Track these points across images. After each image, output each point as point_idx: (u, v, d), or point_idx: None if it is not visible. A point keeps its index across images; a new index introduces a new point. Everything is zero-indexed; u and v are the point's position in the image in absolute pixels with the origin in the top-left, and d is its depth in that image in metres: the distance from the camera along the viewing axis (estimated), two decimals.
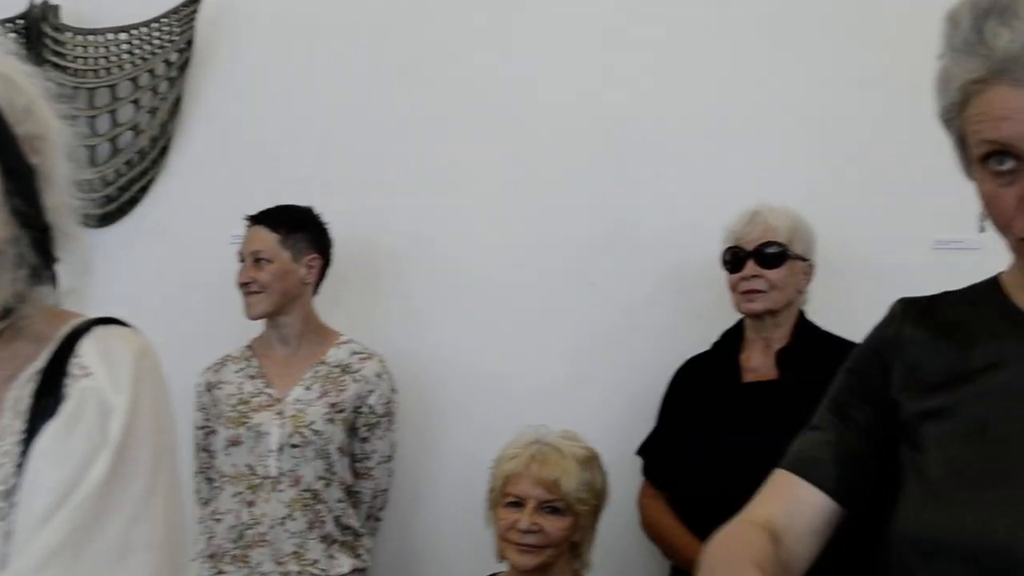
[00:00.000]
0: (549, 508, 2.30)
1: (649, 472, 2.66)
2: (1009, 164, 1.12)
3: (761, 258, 2.50)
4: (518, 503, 2.31)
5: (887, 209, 2.84)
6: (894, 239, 2.84)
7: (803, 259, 2.54)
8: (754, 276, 2.51)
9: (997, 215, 1.15)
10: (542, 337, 2.95)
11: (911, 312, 1.29)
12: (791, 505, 1.25)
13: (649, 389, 2.72)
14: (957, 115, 1.17)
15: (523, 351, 2.94)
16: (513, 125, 2.98)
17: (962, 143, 1.19)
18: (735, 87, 2.91)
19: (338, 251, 2.80)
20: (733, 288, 2.55)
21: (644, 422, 2.69)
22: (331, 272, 2.79)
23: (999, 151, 1.12)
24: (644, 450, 2.68)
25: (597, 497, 2.35)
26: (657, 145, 2.92)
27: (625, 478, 2.65)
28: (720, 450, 2.44)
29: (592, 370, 2.94)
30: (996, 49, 1.11)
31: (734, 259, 2.54)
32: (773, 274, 2.49)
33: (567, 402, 2.86)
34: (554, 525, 2.30)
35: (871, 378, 1.28)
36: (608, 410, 2.89)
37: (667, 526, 2.55)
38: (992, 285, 1.29)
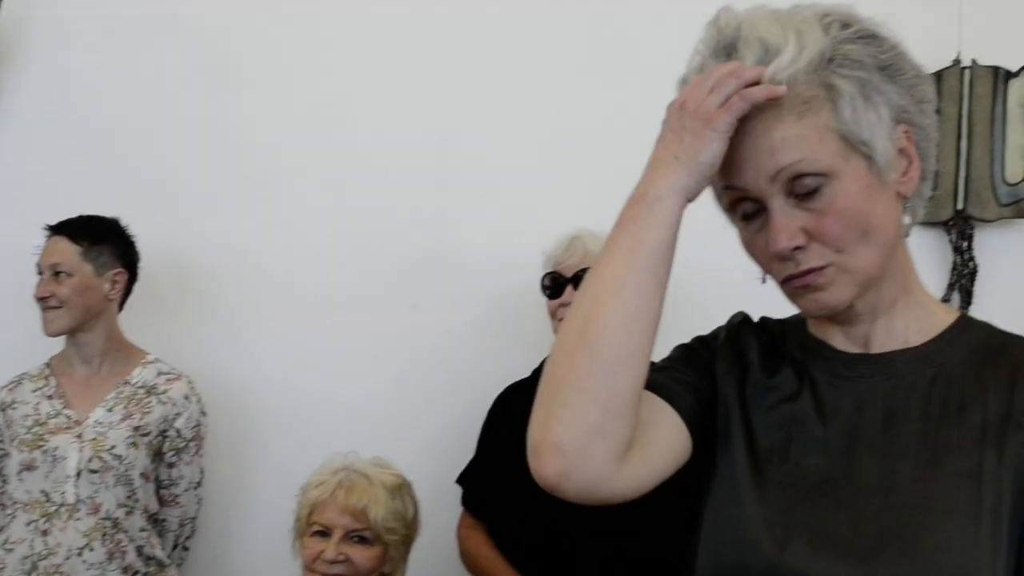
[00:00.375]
0: (357, 537, 2.22)
1: (468, 502, 2.61)
2: (753, 209, 1.14)
3: (580, 283, 2.48)
4: (324, 532, 2.22)
5: (711, 235, 2.86)
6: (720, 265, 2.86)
7: None
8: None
9: (758, 262, 1.17)
10: (363, 359, 2.87)
11: (743, 326, 1.29)
12: (657, 414, 1.19)
13: (471, 416, 2.67)
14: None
15: (344, 373, 2.86)
16: (336, 140, 2.90)
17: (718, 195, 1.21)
18: (562, 110, 2.90)
19: (150, 265, 2.68)
20: (552, 314, 2.53)
21: (466, 449, 2.64)
22: (143, 287, 2.67)
23: (742, 198, 1.14)
24: (463, 479, 2.63)
25: (408, 527, 2.29)
26: (482, 167, 2.89)
27: (445, 507, 2.59)
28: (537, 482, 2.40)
29: (414, 394, 2.87)
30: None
31: (553, 284, 2.52)
32: None
33: (388, 427, 2.79)
34: (362, 555, 2.22)
35: (701, 356, 1.27)
36: (429, 436, 2.83)
37: (485, 557, 2.51)
38: (753, 320, 1.31)
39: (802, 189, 1.09)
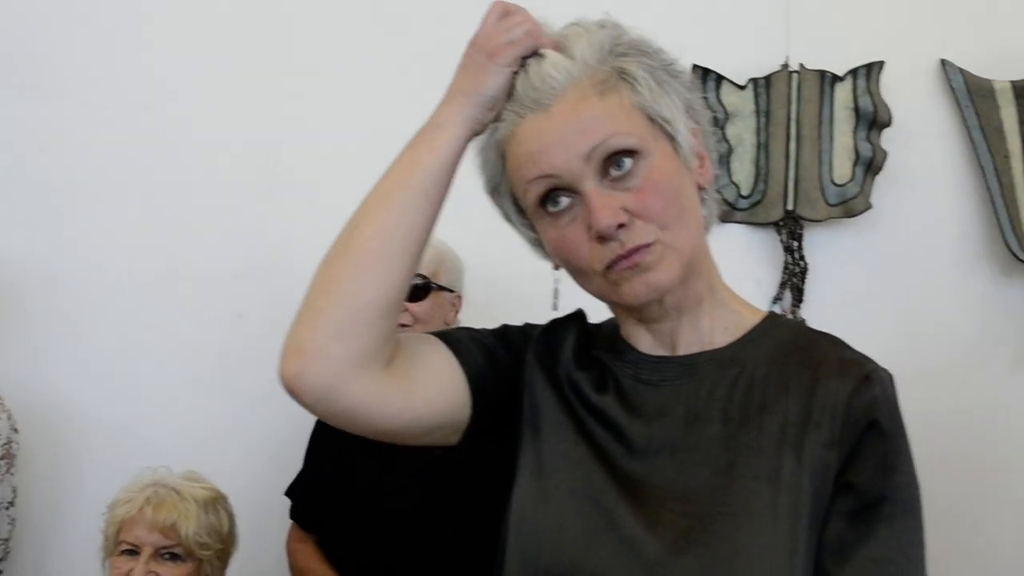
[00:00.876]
0: (167, 555, 2.15)
1: (297, 515, 2.56)
2: (564, 201, 1.11)
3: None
4: (133, 551, 2.15)
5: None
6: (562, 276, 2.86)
7: (449, 290, 2.51)
8: None
9: (571, 258, 1.13)
10: (186, 369, 2.79)
11: (568, 320, 1.27)
12: (435, 357, 1.18)
13: (301, 427, 2.61)
14: (502, 175, 1.17)
15: (165, 385, 2.78)
16: (158, 146, 2.81)
17: (517, 206, 1.17)
18: (385, 114, 2.86)
19: None
20: None
21: (294, 461, 2.58)
22: None
23: (552, 190, 1.11)
24: (292, 491, 2.57)
25: (223, 541, 2.22)
26: (306, 172, 2.83)
27: (274, 519, 2.54)
28: (367, 492, 2.37)
29: (240, 404, 2.80)
30: (516, 94, 1.13)
31: None
32: (417, 307, 2.44)
33: (214, 438, 2.72)
34: (173, 572, 2.15)
35: (516, 338, 1.26)
36: (257, 447, 2.77)
37: (314, 571, 2.46)
38: (583, 318, 1.29)
39: (617, 170, 1.09)
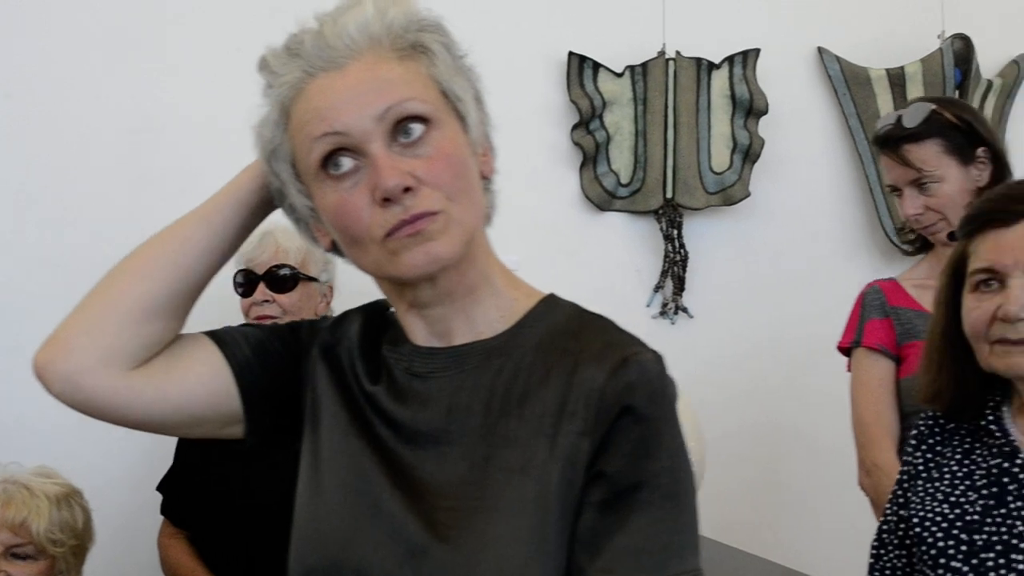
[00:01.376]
0: (17, 554, 2.10)
1: (167, 510, 2.51)
2: (348, 163, 1.06)
3: (272, 281, 2.43)
4: None
5: None
6: None
7: (318, 281, 2.49)
8: (265, 301, 2.42)
9: (350, 223, 1.07)
10: None
11: (357, 312, 1.25)
12: (198, 351, 1.19)
13: None
14: (283, 135, 1.12)
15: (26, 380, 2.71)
16: (15, 136, 2.73)
17: (295, 170, 1.13)
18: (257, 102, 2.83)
19: None
20: (246, 313, 2.45)
21: (168, 455, 2.54)
22: None
23: (337, 150, 1.06)
24: (163, 486, 2.53)
25: (78, 536, 2.17)
26: (178, 160, 2.77)
27: (145, 514, 2.50)
28: (235, 486, 2.34)
29: None
30: (304, 51, 1.09)
31: (245, 282, 2.45)
32: (285, 299, 2.41)
33: (82, 433, 2.64)
34: (24, 571, 2.09)
35: (299, 334, 1.24)
36: (129, 443, 2.70)
37: (185, 567, 2.42)
38: (381, 310, 1.24)
39: (406, 136, 1.06)
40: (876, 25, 3.17)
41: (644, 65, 2.97)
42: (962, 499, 1.46)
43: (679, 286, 3.00)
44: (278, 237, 2.43)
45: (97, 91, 2.77)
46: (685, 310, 3.01)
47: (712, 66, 3.00)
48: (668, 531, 1.03)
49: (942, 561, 1.42)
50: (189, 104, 2.79)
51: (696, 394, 2.95)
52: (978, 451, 1.51)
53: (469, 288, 1.12)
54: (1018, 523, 1.40)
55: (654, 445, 1.03)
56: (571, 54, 2.94)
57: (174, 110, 2.78)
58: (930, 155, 2.13)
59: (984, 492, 1.45)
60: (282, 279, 2.42)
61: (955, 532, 1.43)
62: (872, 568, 1.59)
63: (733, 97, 3.00)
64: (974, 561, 1.40)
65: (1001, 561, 1.38)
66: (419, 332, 1.15)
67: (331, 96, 1.06)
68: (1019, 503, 1.42)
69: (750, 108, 3.00)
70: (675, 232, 2.99)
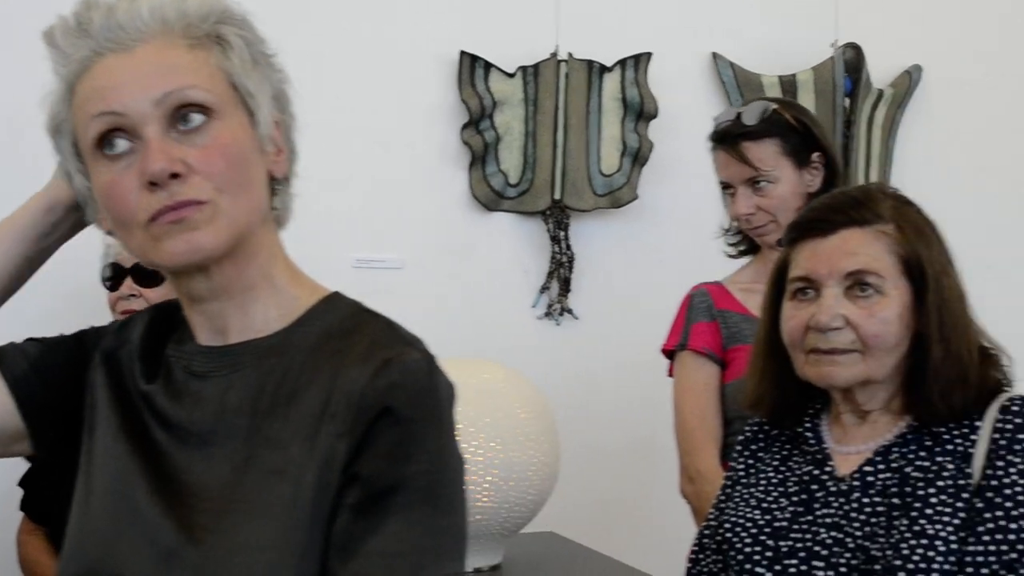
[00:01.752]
0: None
1: (26, 506, 2.47)
2: (122, 144, 1.05)
3: (139, 275, 2.39)
4: None
5: (312, 230, 2.82)
6: (319, 258, 2.81)
7: None
8: (132, 295, 2.38)
9: (118, 205, 1.06)
10: None
11: (151, 311, 1.22)
12: None
13: None
14: (67, 111, 1.10)
15: None
16: None
17: (76, 148, 1.11)
18: None
19: None
20: (112, 308, 2.41)
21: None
22: None
23: (112, 130, 1.05)
24: (25, 482, 2.49)
25: None
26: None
27: (4, 509, 2.45)
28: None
29: None
30: (93, 29, 1.07)
31: (113, 276, 2.41)
32: (152, 293, 2.37)
33: None
34: None
35: (83, 339, 1.21)
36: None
37: (43, 564, 2.38)
38: (173, 309, 1.21)
39: (186, 123, 1.04)
40: (771, 32, 3.20)
41: (536, 66, 2.97)
42: (773, 505, 1.47)
43: (565, 287, 3.00)
44: None
45: None
46: (570, 311, 3.01)
47: (604, 69, 3.01)
48: (424, 535, 1.01)
49: (747, 567, 1.43)
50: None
51: (578, 394, 2.98)
52: (795, 458, 1.52)
53: (247, 285, 1.11)
54: (822, 531, 1.41)
55: (414, 447, 1.02)
56: (463, 53, 2.93)
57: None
58: (768, 154, 2.11)
59: (794, 499, 1.46)
60: (150, 273, 2.38)
61: (762, 538, 1.44)
62: (689, 572, 1.59)
63: (624, 100, 3.01)
64: (777, 567, 1.41)
65: (803, 568, 1.39)
66: (201, 330, 1.14)
67: (114, 76, 1.05)
68: (825, 510, 1.43)
69: (640, 111, 3.01)
70: (562, 233, 2.99)
